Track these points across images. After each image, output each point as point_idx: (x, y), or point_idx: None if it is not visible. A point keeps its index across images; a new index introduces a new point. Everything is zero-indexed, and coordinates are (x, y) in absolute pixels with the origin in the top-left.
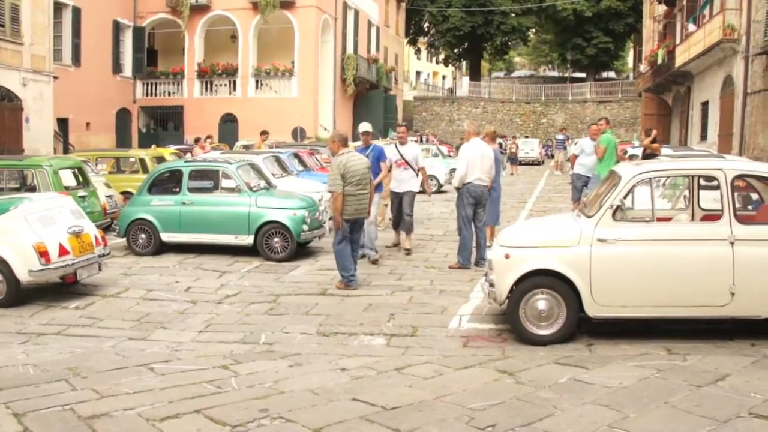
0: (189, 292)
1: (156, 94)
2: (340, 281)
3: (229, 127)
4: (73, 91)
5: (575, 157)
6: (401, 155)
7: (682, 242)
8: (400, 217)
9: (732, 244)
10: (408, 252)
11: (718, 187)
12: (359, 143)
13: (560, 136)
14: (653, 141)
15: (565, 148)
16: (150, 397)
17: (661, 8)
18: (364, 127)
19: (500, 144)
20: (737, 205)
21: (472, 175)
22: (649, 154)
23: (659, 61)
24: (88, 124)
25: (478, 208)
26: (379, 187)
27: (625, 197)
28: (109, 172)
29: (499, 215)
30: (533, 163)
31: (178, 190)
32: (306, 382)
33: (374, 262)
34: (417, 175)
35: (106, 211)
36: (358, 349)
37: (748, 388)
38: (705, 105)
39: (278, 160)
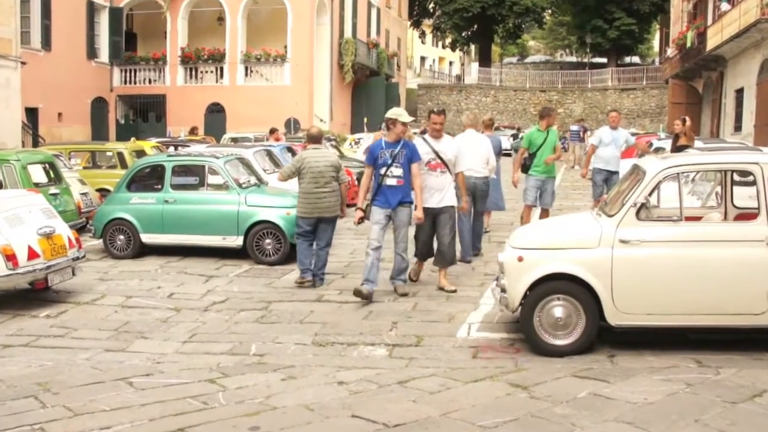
0: (172, 299)
1: (135, 82)
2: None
3: (215, 117)
4: (43, 78)
5: (594, 148)
6: (436, 153)
7: (713, 244)
8: (430, 244)
9: None
10: (450, 290)
11: (754, 183)
12: (380, 133)
13: (575, 128)
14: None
15: (581, 140)
16: (129, 414)
17: None
18: (396, 113)
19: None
20: None
21: (461, 166)
22: (680, 146)
23: (688, 45)
24: (60, 114)
25: (476, 199)
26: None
27: (650, 194)
28: (84, 168)
29: (498, 202)
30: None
31: (160, 187)
32: (300, 397)
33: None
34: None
35: (80, 210)
36: (357, 360)
37: None
38: (739, 92)
39: (269, 155)
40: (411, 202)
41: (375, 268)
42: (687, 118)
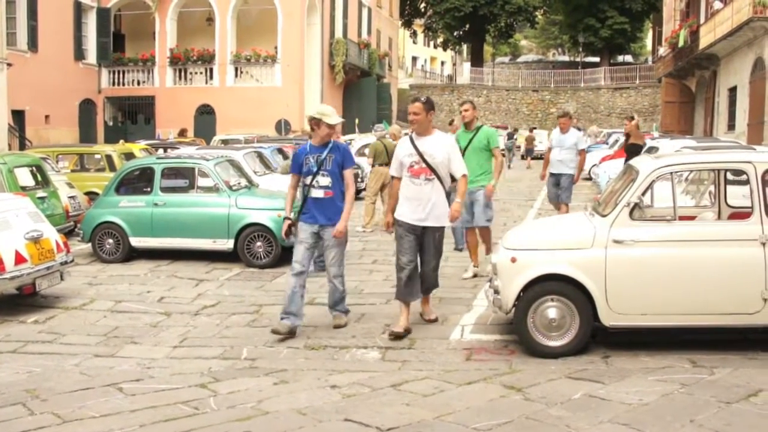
0: (162, 303)
1: (123, 83)
2: None
3: (205, 119)
4: (30, 79)
5: (549, 151)
6: (420, 155)
7: (707, 243)
8: (414, 272)
9: (763, 244)
10: (431, 320)
11: (747, 182)
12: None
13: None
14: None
15: None
16: (119, 420)
17: None
18: (321, 112)
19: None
20: None
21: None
22: (631, 145)
23: (681, 43)
24: (47, 116)
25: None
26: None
27: (643, 194)
28: (72, 171)
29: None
30: (542, 157)
31: (149, 189)
32: (293, 402)
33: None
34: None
35: (68, 214)
36: (350, 363)
37: None
38: (732, 91)
39: (260, 156)
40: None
41: (298, 297)
42: (635, 116)
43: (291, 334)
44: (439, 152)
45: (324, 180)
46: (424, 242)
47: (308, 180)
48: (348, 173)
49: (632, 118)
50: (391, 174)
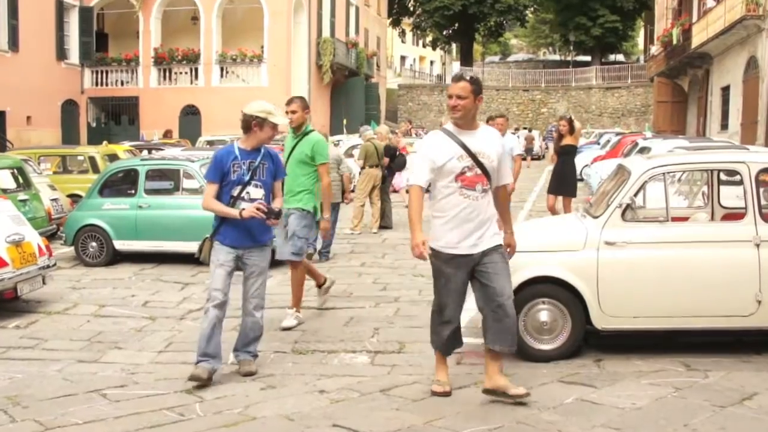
0: (147, 307)
1: (107, 84)
2: None
3: (190, 120)
4: (11, 80)
5: None
6: (470, 154)
7: (700, 244)
8: (458, 319)
9: (758, 246)
10: (519, 394)
11: (741, 183)
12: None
13: (552, 127)
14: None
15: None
16: (102, 427)
17: None
18: (265, 109)
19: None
20: (763, 203)
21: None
22: (564, 146)
23: (674, 42)
24: (28, 117)
25: None
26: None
27: (635, 195)
28: (54, 172)
29: None
30: (533, 157)
31: (133, 192)
32: (280, 407)
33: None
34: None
35: (50, 217)
36: (338, 368)
37: None
38: (726, 90)
39: None
40: (272, 238)
41: (218, 334)
42: (572, 117)
43: (208, 381)
44: (494, 152)
45: (257, 192)
46: (487, 270)
47: (236, 191)
48: (279, 186)
49: (570, 121)
50: (415, 183)
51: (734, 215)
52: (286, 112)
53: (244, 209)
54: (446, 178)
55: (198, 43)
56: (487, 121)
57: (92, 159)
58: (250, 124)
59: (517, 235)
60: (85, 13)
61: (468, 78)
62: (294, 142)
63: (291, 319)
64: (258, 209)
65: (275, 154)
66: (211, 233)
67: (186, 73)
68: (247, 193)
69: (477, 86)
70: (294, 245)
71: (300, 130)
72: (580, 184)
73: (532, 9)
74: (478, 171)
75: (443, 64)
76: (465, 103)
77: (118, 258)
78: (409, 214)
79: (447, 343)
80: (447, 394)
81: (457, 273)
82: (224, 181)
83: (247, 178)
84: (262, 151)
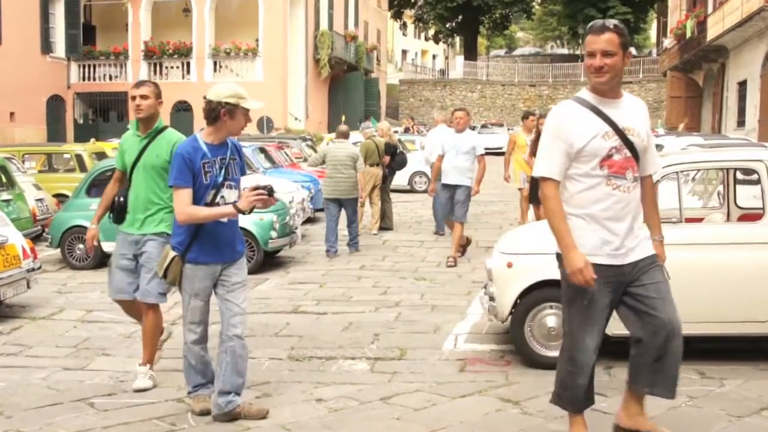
0: None
1: (95, 78)
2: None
3: (182, 117)
4: None
5: (440, 159)
6: (618, 130)
7: (715, 246)
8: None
9: None
10: None
11: (758, 182)
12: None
13: None
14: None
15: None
16: None
17: None
18: (236, 93)
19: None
20: None
21: (434, 157)
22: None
23: (688, 34)
24: (12, 114)
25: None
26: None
27: None
28: (39, 171)
29: None
30: None
31: None
32: (276, 416)
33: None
34: None
35: (35, 218)
36: (336, 376)
37: None
38: (742, 85)
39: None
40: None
41: (208, 361)
42: (537, 111)
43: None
44: (643, 129)
45: (231, 194)
46: (649, 292)
47: (209, 196)
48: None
49: (528, 117)
50: (548, 175)
51: (751, 216)
52: (132, 97)
53: (236, 202)
54: (587, 164)
55: (190, 36)
56: (452, 114)
57: (79, 157)
58: (218, 112)
59: (521, 236)
60: (71, 4)
61: (612, 27)
62: (142, 143)
63: (145, 380)
64: (257, 192)
65: (240, 145)
66: (181, 251)
67: (177, 67)
68: (222, 197)
69: (625, 38)
70: (160, 283)
71: (150, 127)
72: None
73: (539, 1)
74: (628, 153)
75: (446, 58)
76: (613, 62)
77: (105, 261)
78: (551, 223)
79: (583, 397)
80: None
81: (601, 291)
82: (194, 185)
83: (221, 179)
84: (229, 144)
